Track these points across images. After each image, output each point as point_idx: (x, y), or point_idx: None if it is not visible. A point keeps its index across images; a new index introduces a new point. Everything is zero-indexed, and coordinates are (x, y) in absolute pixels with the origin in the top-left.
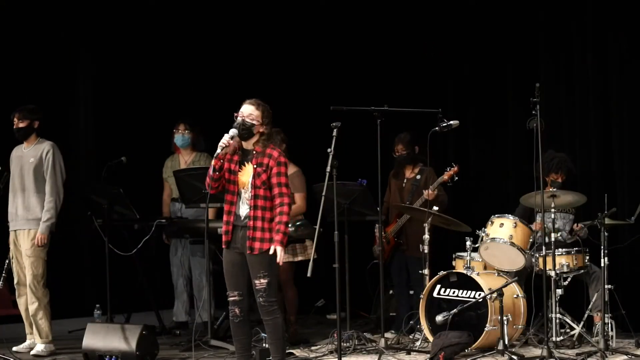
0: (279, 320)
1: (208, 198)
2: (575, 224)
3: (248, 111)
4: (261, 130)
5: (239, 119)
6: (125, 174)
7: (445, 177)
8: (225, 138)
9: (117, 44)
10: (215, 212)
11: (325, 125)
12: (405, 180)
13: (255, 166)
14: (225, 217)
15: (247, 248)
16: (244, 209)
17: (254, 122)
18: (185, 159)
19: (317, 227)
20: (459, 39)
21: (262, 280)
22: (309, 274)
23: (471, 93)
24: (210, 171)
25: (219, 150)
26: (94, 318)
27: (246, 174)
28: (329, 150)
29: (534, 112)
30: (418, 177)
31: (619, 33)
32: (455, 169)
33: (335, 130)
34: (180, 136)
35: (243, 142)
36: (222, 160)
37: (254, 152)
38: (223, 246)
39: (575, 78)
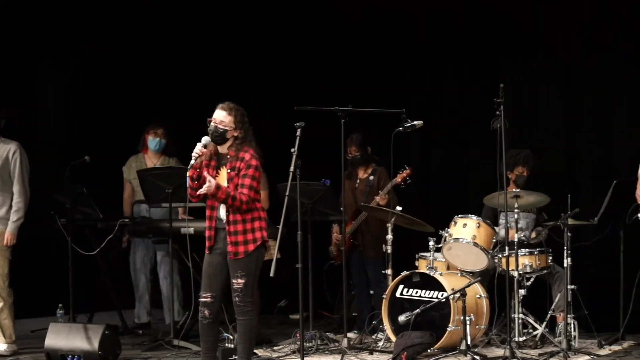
0: (253, 322)
1: (170, 197)
2: (533, 231)
3: (220, 117)
4: (235, 134)
5: (212, 125)
6: (89, 174)
7: (398, 179)
8: (198, 147)
9: (82, 45)
10: (183, 211)
11: (289, 125)
12: (358, 181)
13: (229, 170)
14: (207, 223)
15: (230, 253)
16: (224, 213)
17: (227, 128)
18: (153, 162)
19: (281, 227)
20: (422, 39)
21: (239, 280)
22: (272, 274)
23: (435, 93)
24: (189, 181)
25: (192, 161)
26: (56, 318)
27: (222, 179)
28: (292, 150)
29: (497, 112)
30: (371, 177)
31: (582, 32)
32: (408, 171)
33: (298, 130)
34: (158, 140)
35: (218, 147)
36: (198, 170)
37: (228, 156)
38: (207, 252)
39: (538, 78)
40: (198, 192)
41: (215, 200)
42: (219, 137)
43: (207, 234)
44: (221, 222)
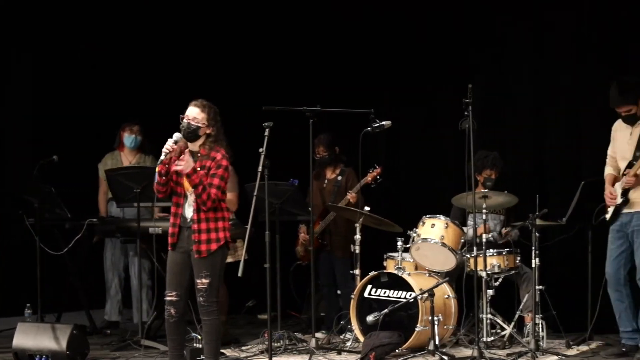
0: (217, 322)
1: (138, 197)
2: (504, 228)
3: (193, 114)
4: (208, 131)
5: (184, 121)
6: (57, 173)
7: (369, 178)
8: (169, 143)
9: (52, 42)
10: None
11: (257, 125)
12: (326, 182)
13: (198, 169)
14: (171, 220)
15: (194, 252)
16: (189, 211)
17: (199, 124)
18: (129, 159)
19: (249, 227)
20: (392, 39)
21: (203, 280)
22: (239, 274)
23: (403, 93)
24: (157, 176)
25: (163, 156)
26: (24, 317)
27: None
28: (260, 150)
29: (466, 113)
30: (339, 178)
31: (551, 34)
32: (378, 170)
33: (267, 130)
34: (133, 137)
35: (189, 144)
36: (167, 165)
37: (199, 154)
38: (169, 248)
39: (506, 79)
40: (174, 168)
41: (189, 181)
42: (192, 134)
43: (170, 230)
44: (185, 220)
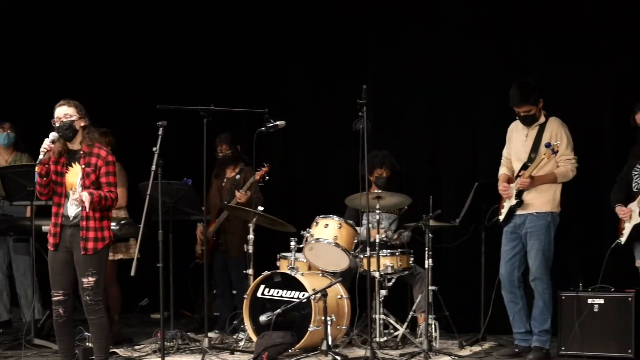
0: (104, 320)
1: (35, 196)
2: (394, 233)
3: (63, 112)
4: (82, 124)
5: (57, 122)
6: None
7: (257, 176)
8: (46, 142)
9: None
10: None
11: (151, 123)
12: (225, 180)
13: (83, 166)
14: (53, 219)
15: (81, 249)
16: (72, 210)
17: (72, 118)
18: (4, 157)
19: (142, 226)
20: (288, 38)
21: (89, 279)
22: (132, 273)
23: (299, 93)
24: (37, 178)
25: (41, 156)
26: None
27: (73, 175)
28: (154, 149)
29: (360, 113)
30: (237, 176)
31: (445, 34)
32: (266, 168)
33: (161, 129)
34: (5, 134)
35: (68, 143)
36: (46, 166)
37: (81, 152)
38: (51, 248)
39: (402, 80)
40: (84, 209)
41: (91, 206)
42: (69, 130)
43: (51, 230)
44: (67, 219)
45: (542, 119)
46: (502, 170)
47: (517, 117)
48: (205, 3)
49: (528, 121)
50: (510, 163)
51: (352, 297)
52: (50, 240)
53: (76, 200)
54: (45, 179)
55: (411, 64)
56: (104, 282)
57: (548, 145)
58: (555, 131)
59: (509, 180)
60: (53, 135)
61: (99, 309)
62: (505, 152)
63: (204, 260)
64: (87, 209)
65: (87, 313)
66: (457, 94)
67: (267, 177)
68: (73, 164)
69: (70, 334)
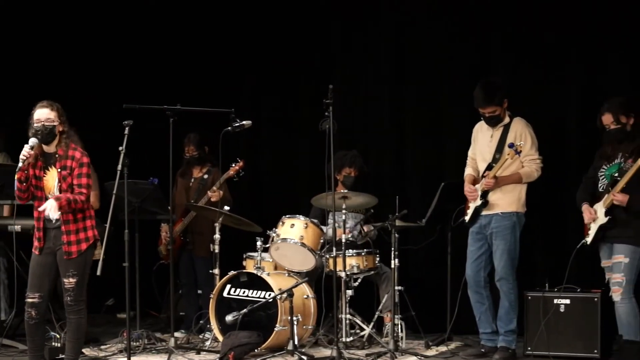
0: (83, 321)
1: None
2: (365, 226)
3: (44, 115)
4: (61, 129)
5: (39, 125)
6: None
7: (231, 172)
8: (26, 149)
9: None
10: (10, 210)
11: (117, 123)
12: (192, 180)
13: (59, 170)
14: (35, 224)
15: (64, 253)
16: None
17: (54, 123)
18: None
19: (108, 225)
20: (254, 38)
21: (71, 280)
22: (98, 273)
23: (265, 93)
24: (17, 183)
25: (20, 164)
26: None
27: (51, 178)
28: (120, 148)
29: (326, 113)
30: (205, 176)
31: (412, 33)
32: (241, 164)
33: (127, 128)
34: None
35: (44, 146)
36: (25, 172)
37: (57, 155)
38: (35, 252)
39: (367, 80)
40: (48, 217)
41: (61, 210)
42: (49, 134)
43: (36, 234)
44: (50, 222)
45: (507, 120)
46: (468, 171)
47: (482, 118)
48: (173, 3)
49: (493, 122)
50: (475, 163)
51: (318, 297)
52: (35, 244)
53: (50, 213)
54: (24, 184)
55: (377, 64)
56: (86, 283)
57: (511, 146)
58: (520, 131)
59: (475, 181)
60: (32, 141)
61: (79, 309)
62: (470, 153)
63: (169, 260)
64: (54, 217)
65: (67, 312)
66: (423, 94)
67: (242, 173)
68: (50, 168)
69: (40, 336)
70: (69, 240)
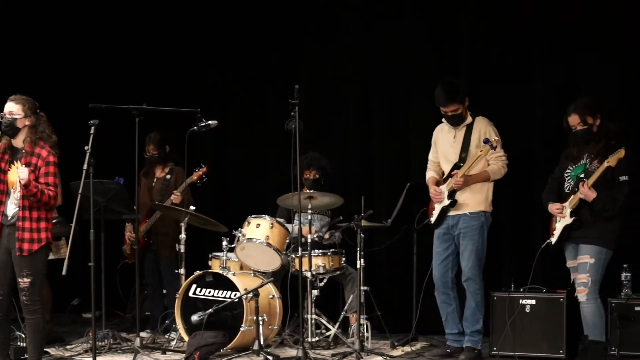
0: (40, 320)
1: None
2: (328, 232)
3: (9, 108)
4: (27, 123)
5: (2, 117)
6: None
7: (195, 177)
8: None
9: None
10: None
11: (83, 122)
12: (155, 180)
13: (23, 165)
14: None
15: (16, 249)
16: (12, 209)
17: (15, 116)
18: None
19: (73, 225)
20: (220, 36)
21: (25, 280)
22: (63, 272)
23: (232, 93)
24: None
25: None
26: None
27: (14, 174)
28: (86, 147)
29: (292, 113)
30: (168, 176)
31: (376, 33)
32: (204, 169)
33: (92, 127)
34: None
35: (13, 141)
36: None
37: (23, 151)
38: None
39: (334, 80)
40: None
41: (27, 192)
42: (10, 127)
43: None
44: (6, 218)
45: (469, 119)
46: (430, 174)
47: (443, 119)
48: (140, 3)
49: (455, 121)
50: (437, 166)
51: (283, 297)
52: None
53: (19, 174)
54: None
55: (344, 64)
56: (41, 283)
57: (486, 141)
58: (484, 130)
59: (438, 183)
60: None
61: (35, 309)
62: (431, 156)
63: (134, 260)
64: (22, 183)
65: (24, 312)
66: (389, 94)
67: (205, 178)
68: (15, 162)
69: (5, 334)
70: (22, 237)
